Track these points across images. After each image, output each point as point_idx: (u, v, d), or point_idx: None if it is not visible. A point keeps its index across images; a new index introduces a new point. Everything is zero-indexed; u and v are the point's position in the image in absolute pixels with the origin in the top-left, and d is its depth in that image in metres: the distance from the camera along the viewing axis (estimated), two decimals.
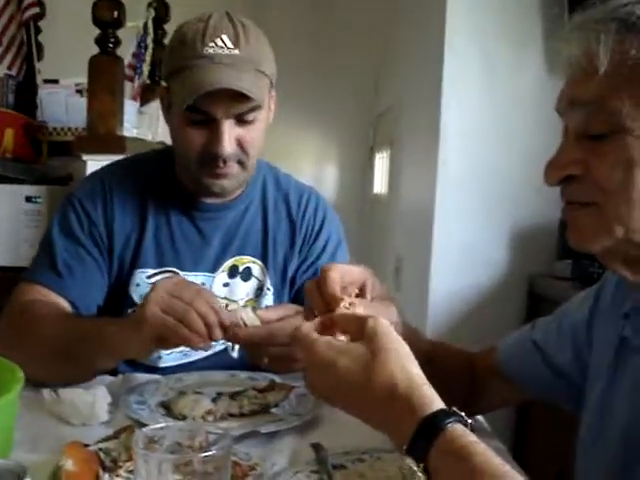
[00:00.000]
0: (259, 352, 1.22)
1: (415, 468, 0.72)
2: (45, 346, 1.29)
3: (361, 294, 1.06)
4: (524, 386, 1.18)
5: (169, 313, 1.13)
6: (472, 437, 0.72)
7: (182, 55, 1.34)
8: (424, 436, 0.72)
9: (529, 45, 2.80)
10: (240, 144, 1.38)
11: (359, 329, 0.82)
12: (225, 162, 1.37)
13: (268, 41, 1.42)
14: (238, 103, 1.33)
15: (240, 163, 1.40)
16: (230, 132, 1.35)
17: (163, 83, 1.45)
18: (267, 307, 1.32)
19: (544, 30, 2.78)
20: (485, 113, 2.85)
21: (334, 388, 0.81)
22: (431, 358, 1.01)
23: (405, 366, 0.78)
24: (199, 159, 1.38)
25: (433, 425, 0.73)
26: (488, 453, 0.70)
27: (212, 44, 1.32)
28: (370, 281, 1.08)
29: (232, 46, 1.33)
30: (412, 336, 1.11)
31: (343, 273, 1.01)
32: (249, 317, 1.20)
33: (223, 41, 1.33)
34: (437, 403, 0.75)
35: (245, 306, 1.24)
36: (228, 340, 1.23)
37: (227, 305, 1.49)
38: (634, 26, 0.82)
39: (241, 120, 1.36)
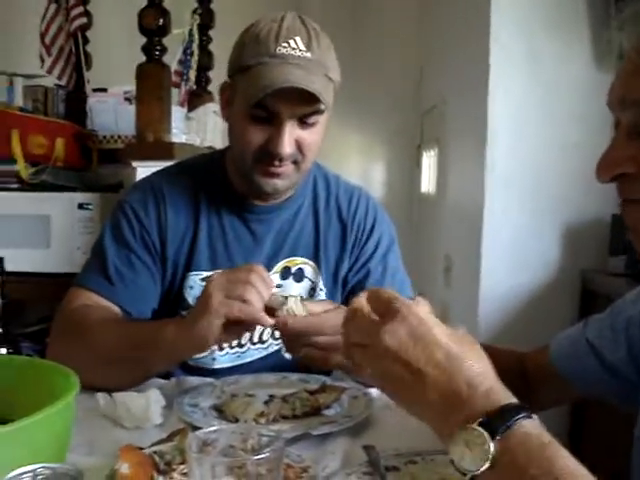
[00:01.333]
0: (300, 342, 1.22)
1: (478, 443, 0.70)
2: (98, 352, 1.30)
3: None
4: (578, 384, 1.16)
5: (232, 297, 1.16)
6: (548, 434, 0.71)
7: (254, 52, 1.34)
8: (503, 419, 0.70)
9: (575, 39, 2.77)
10: (299, 145, 1.38)
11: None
12: (281, 161, 1.37)
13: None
14: (305, 105, 1.34)
15: (295, 163, 1.40)
16: (291, 133, 1.35)
17: (229, 79, 1.45)
18: (311, 300, 1.32)
19: (590, 23, 2.74)
20: (532, 109, 2.82)
21: (415, 347, 0.77)
22: None
23: (490, 364, 0.78)
24: (256, 156, 1.38)
25: (516, 411, 0.71)
26: (569, 456, 0.69)
27: (285, 44, 1.33)
28: None
29: (304, 49, 1.33)
30: None
31: None
32: (297, 307, 1.21)
33: (296, 43, 1.33)
34: (516, 400, 0.74)
35: (293, 296, 1.24)
36: (276, 327, 1.23)
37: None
38: None
39: (303, 122, 1.36)
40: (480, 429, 0.70)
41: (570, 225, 2.82)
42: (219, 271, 1.29)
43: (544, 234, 2.83)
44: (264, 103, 1.33)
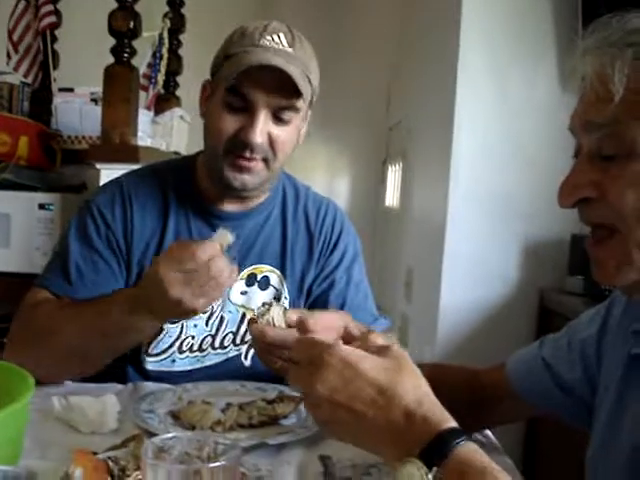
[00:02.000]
0: (275, 354, 1.21)
1: (419, 475, 0.71)
2: (61, 347, 1.31)
3: (348, 337, 1.09)
4: (533, 402, 1.18)
5: (192, 287, 1.17)
6: (486, 457, 0.73)
7: (239, 43, 1.37)
8: (439, 448, 0.72)
9: (542, 61, 2.81)
10: (270, 141, 1.38)
11: (380, 349, 0.83)
12: (252, 152, 1.37)
13: None
14: (280, 95, 1.35)
15: (265, 161, 1.40)
16: (264, 124, 1.36)
17: (208, 78, 1.46)
18: (292, 310, 1.32)
19: (557, 47, 2.79)
20: (497, 127, 2.86)
21: (345, 390, 0.79)
22: (431, 380, 1.02)
23: (424, 385, 0.80)
24: (227, 146, 1.38)
25: (452, 437, 0.73)
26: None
27: (269, 37, 1.36)
28: (352, 323, 1.13)
29: (287, 45, 1.36)
30: None
31: (318, 319, 1.07)
32: (279, 318, 1.20)
33: (280, 38, 1.36)
34: (453, 422, 0.76)
35: (278, 305, 1.23)
36: (253, 335, 1.21)
37: (244, 313, 1.51)
38: None
39: (277, 118, 1.37)
40: (418, 462, 0.72)
41: (531, 243, 2.86)
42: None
43: (505, 251, 2.87)
44: (240, 89, 1.34)
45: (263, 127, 1.36)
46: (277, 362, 1.23)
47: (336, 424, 0.80)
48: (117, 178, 1.57)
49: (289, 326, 1.21)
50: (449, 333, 2.90)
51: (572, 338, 1.13)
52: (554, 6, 2.80)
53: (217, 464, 0.75)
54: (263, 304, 1.23)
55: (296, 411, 1.24)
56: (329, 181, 5.33)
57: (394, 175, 4.65)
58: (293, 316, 1.21)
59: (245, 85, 1.34)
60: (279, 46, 1.35)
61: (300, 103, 1.38)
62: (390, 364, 0.80)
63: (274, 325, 1.19)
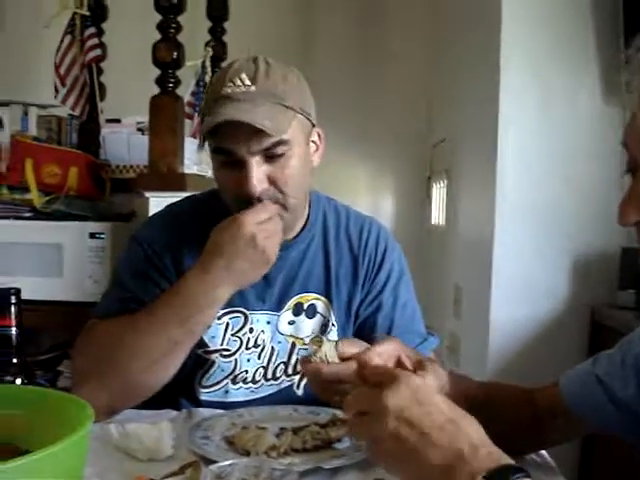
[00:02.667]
0: (331, 389, 1.21)
1: None
2: (131, 354, 1.31)
3: (401, 367, 1.10)
4: (589, 420, 1.16)
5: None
6: None
7: (206, 101, 1.39)
8: (505, 473, 0.73)
9: (584, 75, 2.79)
10: (273, 182, 1.35)
11: None
12: (260, 201, 1.34)
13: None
14: (259, 138, 1.31)
15: (278, 202, 1.37)
16: (258, 170, 1.33)
17: None
18: (343, 341, 1.32)
19: (599, 60, 2.76)
20: (542, 142, 2.84)
21: (415, 409, 0.79)
22: (486, 401, 1.01)
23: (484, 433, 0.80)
24: (235, 201, 1.37)
25: (515, 470, 0.73)
26: None
27: (230, 84, 1.33)
28: (404, 354, 1.14)
29: (249, 83, 1.33)
30: (461, 384, 1.12)
31: (374, 352, 1.09)
32: (331, 353, 1.20)
33: (241, 79, 1.33)
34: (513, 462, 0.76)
35: (329, 341, 1.23)
36: (308, 374, 1.22)
37: (294, 343, 1.51)
38: None
39: (270, 157, 1.34)
40: None
41: (579, 258, 2.82)
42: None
43: (553, 267, 2.83)
44: (221, 147, 1.35)
45: (258, 174, 1.33)
46: (335, 398, 1.24)
47: (395, 441, 0.79)
48: (158, 212, 1.58)
49: (342, 359, 1.22)
50: (500, 351, 2.87)
51: (626, 354, 1.11)
52: (596, 19, 2.77)
53: None
54: (313, 340, 1.24)
55: (350, 434, 1.24)
56: (373, 201, 5.32)
57: (439, 192, 4.63)
58: (346, 349, 1.21)
59: (223, 142, 1.34)
60: (240, 88, 1.32)
61: (286, 135, 1.34)
62: (458, 409, 0.81)
63: (327, 362, 1.20)
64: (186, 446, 1.19)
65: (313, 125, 1.45)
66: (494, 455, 0.75)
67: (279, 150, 1.34)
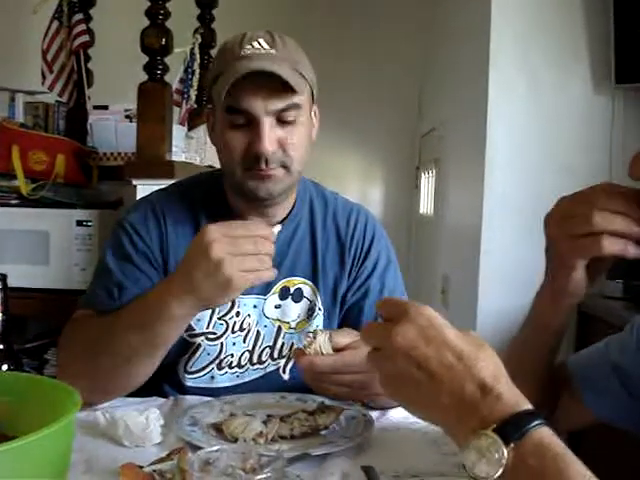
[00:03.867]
0: (326, 381, 1.23)
1: (492, 450, 0.69)
2: (98, 352, 1.31)
3: None
4: (601, 408, 1.14)
5: (247, 270, 1.20)
6: (562, 443, 0.70)
7: (220, 62, 1.38)
8: (516, 427, 0.70)
9: (575, 63, 2.80)
10: (282, 145, 1.37)
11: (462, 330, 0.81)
12: (267, 163, 1.36)
13: (312, 63, 1.44)
14: (276, 98, 1.34)
15: (284, 167, 1.39)
16: (270, 131, 1.35)
17: (209, 106, 1.47)
18: (336, 331, 1.31)
19: (589, 50, 2.77)
20: (531, 132, 2.84)
21: (425, 348, 0.76)
22: None
23: (503, 367, 0.77)
24: (242, 162, 1.37)
25: (530, 419, 0.70)
26: (582, 467, 0.69)
27: (249, 46, 1.35)
28: None
29: (268, 47, 1.35)
30: None
31: None
32: (325, 345, 1.21)
33: (260, 43, 1.35)
34: (530, 405, 0.73)
35: (322, 331, 1.24)
36: (304, 368, 1.22)
37: (280, 327, 1.51)
38: None
39: (281, 120, 1.36)
40: (494, 436, 0.69)
41: None
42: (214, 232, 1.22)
43: (541, 257, 2.83)
44: (237, 105, 1.34)
45: (270, 135, 1.35)
46: (331, 389, 1.24)
47: (405, 382, 0.78)
48: (147, 197, 1.57)
49: (336, 350, 1.22)
50: (487, 339, 2.86)
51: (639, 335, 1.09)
52: (586, 9, 2.78)
53: (262, 476, 0.76)
54: (307, 334, 1.24)
55: (337, 421, 1.24)
56: (362, 189, 5.33)
57: (428, 182, 4.64)
58: (339, 340, 1.23)
59: (240, 100, 1.34)
60: (260, 51, 1.35)
61: (298, 99, 1.36)
62: (473, 340, 0.78)
63: (322, 353, 1.20)
64: (174, 433, 1.19)
65: (313, 102, 1.47)
66: (505, 398, 0.72)
67: (291, 115, 1.37)
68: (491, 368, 0.75)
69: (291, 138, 1.38)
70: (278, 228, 1.32)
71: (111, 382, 1.34)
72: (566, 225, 0.94)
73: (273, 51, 1.35)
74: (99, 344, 1.32)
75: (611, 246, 0.88)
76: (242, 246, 1.20)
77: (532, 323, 1.11)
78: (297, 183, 1.50)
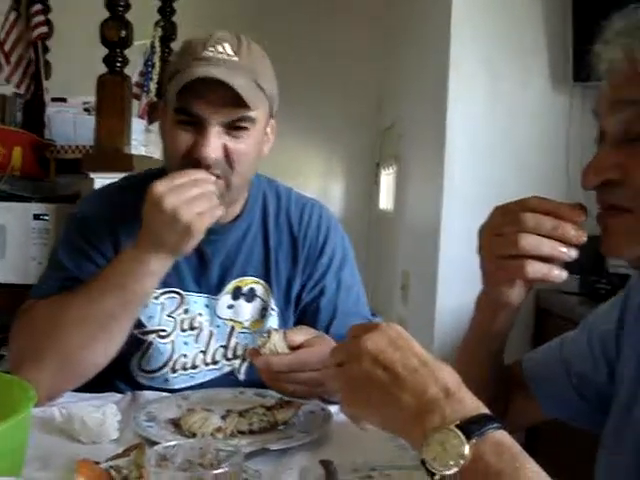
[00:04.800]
0: (282, 379, 1.23)
1: (453, 444, 0.70)
2: (69, 329, 1.29)
3: None
4: (550, 407, 1.16)
5: (185, 196, 1.25)
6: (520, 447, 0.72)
7: (180, 60, 1.35)
8: (477, 426, 0.71)
9: (533, 61, 2.83)
10: (227, 155, 1.34)
11: None
12: (207, 169, 1.31)
13: (271, 62, 1.41)
14: (230, 108, 1.31)
15: (225, 178, 1.35)
16: (218, 138, 1.32)
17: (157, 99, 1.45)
18: (291, 330, 1.32)
19: (548, 47, 2.80)
20: (490, 128, 2.87)
21: (392, 353, 0.78)
22: None
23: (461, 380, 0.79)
24: (183, 162, 1.33)
25: (490, 420, 0.72)
26: (538, 468, 0.70)
27: (212, 48, 1.32)
28: None
29: (232, 53, 1.32)
30: None
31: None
32: (280, 344, 1.21)
33: (224, 48, 1.32)
34: (489, 411, 0.75)
35: (276, 330, 1.25)
36: (259, 368, 1.23)
37: (233, 327, 1.50)
38: None
39: (231, 129, 1.33)
40: (457, 431, 0.70)
41: None
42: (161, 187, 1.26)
43: None
44: (188, 107, 1.31)
45: (216, 142, 1.31)
46: (288, 387, 1.24)
47: (367, 383, 0.79)
48: (97, 190, 1.56)
49: (292, 348, 1.22)
50: (446, 335, 2.90)
51: (591, 333, 1.11)
52: (545, 7, 2.81)
53: (220, 471, 0.75)
54: (262, 334, 1.25)
55: (296, 416, 1.24)
56: (323, 185, 5.33)
57: (387, 178, 4.66)
58: (295, 338, 1.24)
59: (191, 103, 1.30)
60: (223, 56, 1.31)
61: (253, 113, 1.33)
62: (436, 358, 0.80)
63: (277, 352, 1.21)
64: (131, 429, 1.19)
65: (271, 116, 1.44)
66: (467, 402, 0.74)
67: (242, 127, 1.34)
68: (455, 376, 0.77)
69: (238, 149, 1.34)
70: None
71: (85, 357, 1.30)
72: (493, 244, 0.98)
73: (236, 58, 1.32)
74: (67, 319, 1.29)
75: (534, 272, 0.91)
76: (189, 191, 1.25)
77: (473, 329, 1.13)
78: (245, 190, 1.49)
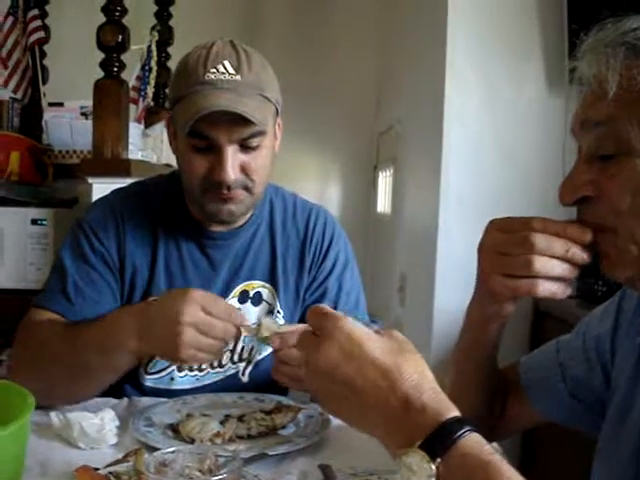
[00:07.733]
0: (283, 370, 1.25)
1: (420, 466, 0.69)
2: (54, 361, 1.31)
3: None
4: (546, 410, 1.15)
5: (206, 334, 1.21)
6: (491, 448, 0.71)
7: (184, 83, 1.35)
8: (442, 439, 0.70)
9: (529, 64, 2.83)
10: (245, 171, 1.37)
11: (384, 331, 0.81)
12: (229, 189, 1.36)
13: (271, 67, 1.43)
14: (240, 128, 1.33)
15: (246, 189, 1.39)
16: (234, 158, 1.34)
17: (170, 112, 1.45)
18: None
19: (544, 49, 2.80)
20: (487, 132, 2.87)
21: (347, 366, 0.76)
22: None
23: (427, 370, 0.77)
24: (203, 186, 1.37)
25: (455, 428, 0.70)
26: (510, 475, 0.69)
27: (214, 70, 1.32)
28: None
29: (234, 72, 1.33)
30: None
31: None
32: (272, 326, 1.22)
33: (225, 67, 1.33)
34: (456, 411, 0.73)
35: (265, 317, 1.26)
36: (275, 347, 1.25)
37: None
38: None
39: (245, 146, 1.35)
40: (420, 452, 0.69)
41: None
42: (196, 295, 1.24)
43: None
44: (200, 131, 1.33)
45: (234, 162, 1.34)
46: (297, 372, 1.24)
47: (334, 398, 0.78)
48: (106, 197, 1.56)
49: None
50: (443, 338, 2.90)
51: (586, 336, 1.11)
52: (540, 9, 2.81)
53: (218, 477, 0.75)
54: (252, 324, 1.26)
55: (295, 421, 1.25)
56: (320, 188, 5.32)
57: (385, 181, 4.65)
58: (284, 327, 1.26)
59: (203, 128, 1.32)
60: (226, 76, 1.32)
61: (263, 126, 1.35)
62: (394, 346, 0.78)
63: (275, 332, 1.22)
64: (130, 434, 1.19)
65: (278, 114, 1.46)
66: (428, 412, 0.72)
67: (255, 141, 1.36)
68: (415, 377, 0.75)
69: (255, 163, 1.38)
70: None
71: (69, 390, 1.33)
72: (501, 263, 0.96)
73: (238, 77, 1.33)
74: (56, 355, 1.31)
75: (544, 291, 0.92)
76: (211, 328, 1.21)
77: (466, 335, 1.13)
78: (259, 201, 1.50)
